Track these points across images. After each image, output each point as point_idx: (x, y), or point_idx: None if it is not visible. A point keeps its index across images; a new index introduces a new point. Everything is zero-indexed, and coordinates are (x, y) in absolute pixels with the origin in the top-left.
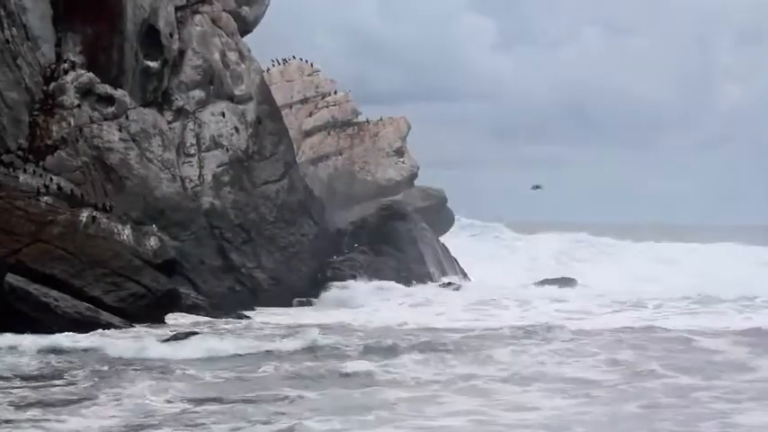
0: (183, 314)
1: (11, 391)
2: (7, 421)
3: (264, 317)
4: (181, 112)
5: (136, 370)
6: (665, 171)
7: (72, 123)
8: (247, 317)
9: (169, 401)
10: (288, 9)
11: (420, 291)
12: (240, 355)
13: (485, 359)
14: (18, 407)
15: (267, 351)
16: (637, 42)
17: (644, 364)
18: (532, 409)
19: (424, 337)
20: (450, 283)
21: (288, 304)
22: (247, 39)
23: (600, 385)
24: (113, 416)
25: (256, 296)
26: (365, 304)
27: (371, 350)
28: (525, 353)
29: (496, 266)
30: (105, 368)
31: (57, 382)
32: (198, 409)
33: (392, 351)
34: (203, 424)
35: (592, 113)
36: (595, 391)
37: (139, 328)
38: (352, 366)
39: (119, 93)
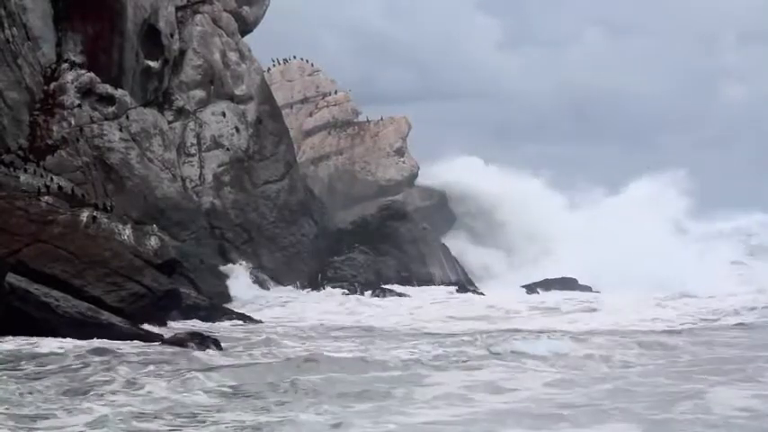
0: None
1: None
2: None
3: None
4: (181, 112)
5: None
6: (667, 170)
7: (72, 123)
8: (249, 317)
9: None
10: (292, 9)
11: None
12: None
13: None
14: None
15: None
16: (641, 42)
17: None
18: None
19: None
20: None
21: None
22: (250, 38)
23: None
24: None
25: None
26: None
27: None
28: None
29: None
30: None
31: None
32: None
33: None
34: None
35: (596, 113)
36: None
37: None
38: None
39: (119, 92)
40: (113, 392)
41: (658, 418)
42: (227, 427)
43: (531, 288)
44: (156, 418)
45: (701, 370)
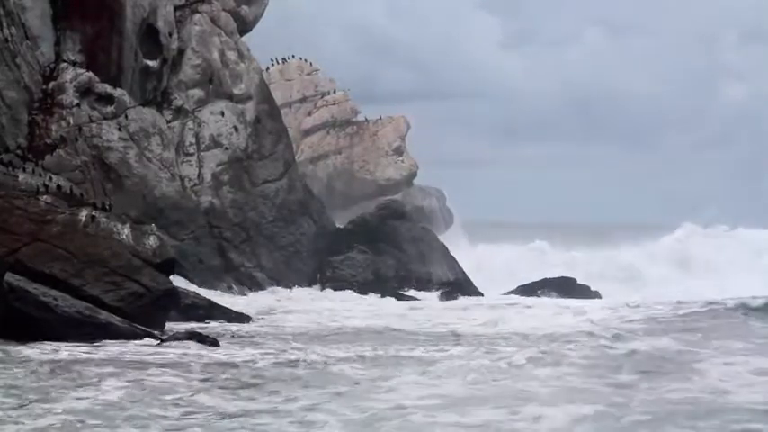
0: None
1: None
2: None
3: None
4: (180, 112)
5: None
6: (669, 170)
7: (71, 122)
8: (248, 317)
9: None
10: (292, 8)
11: None
12: None
13: None
14: None
15: None
16: (642, 42)
17: None
18: None
19: None
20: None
21: None
22: (253, 37)
23: None
24: None
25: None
26: None
27: None
28: None
29: None
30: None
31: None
32: None
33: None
34: None
35: (596, 113)
36: None
37: None
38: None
39: (118, 92)
40: (111, 390)
41: None
42: (220, 425)
43: (528, 288)
44: (152, 413)
45: None
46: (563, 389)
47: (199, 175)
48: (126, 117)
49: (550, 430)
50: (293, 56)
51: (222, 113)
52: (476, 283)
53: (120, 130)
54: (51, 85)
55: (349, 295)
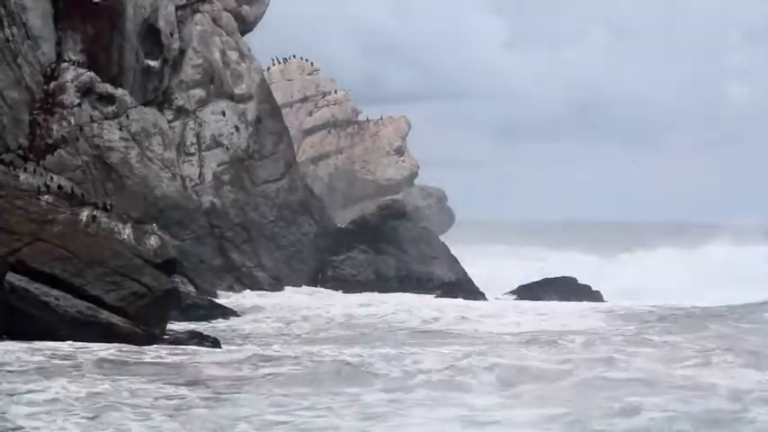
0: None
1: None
2: None
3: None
4: (181, 111)
5: None
6: (670, 170)
7: (72, 122)
8: (248, 316)
9: None
10: (295, 8)
11: None
12: None
13: None
14: None
15: None
16: (646, 42)
17: None
18: None
19: None
20: None
21: None
22: (254, 37)
23: None
24: None
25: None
26: None
27: None
28: None
29: None
30: None
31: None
32: None
33: None
34: None
35: (600, 113)
36: None
37: None
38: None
39: (119, 92)
40: (111, 389)
41: None
42: (221, 424)
43: (529, 289)
44: (153, 412)
45: None
46: None
47: (200, 175)
48: (127, 117)
49: None
50: (294, 56)
51: (223, 113)
52: (476, 283)
53: (121, 129)
54: (52, 84)
55: (349, 295)
